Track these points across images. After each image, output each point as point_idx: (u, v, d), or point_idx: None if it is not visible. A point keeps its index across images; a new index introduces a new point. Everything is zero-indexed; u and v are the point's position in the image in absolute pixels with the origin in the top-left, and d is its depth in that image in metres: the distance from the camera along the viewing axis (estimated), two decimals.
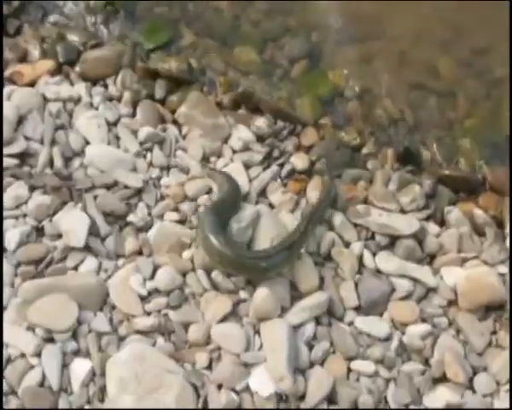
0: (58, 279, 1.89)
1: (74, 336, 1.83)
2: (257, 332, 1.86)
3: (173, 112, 2.27)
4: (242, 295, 1.91)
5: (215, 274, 1.92)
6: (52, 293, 1.85)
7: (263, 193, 2.12)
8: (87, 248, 1.96)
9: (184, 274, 1.94)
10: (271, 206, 2.10)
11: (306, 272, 1.95)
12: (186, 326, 1.86)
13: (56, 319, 1.82)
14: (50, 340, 1.81)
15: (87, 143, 2.17)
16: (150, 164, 2.15)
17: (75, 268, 1.94)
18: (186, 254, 1.97)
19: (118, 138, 2.19)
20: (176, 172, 2.13)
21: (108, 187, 2.07)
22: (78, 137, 2.17)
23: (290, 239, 1.94)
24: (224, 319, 1.87)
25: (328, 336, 1.88)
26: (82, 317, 1.85)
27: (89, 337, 1.83)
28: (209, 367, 1.81)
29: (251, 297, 1.89)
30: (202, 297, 1.90)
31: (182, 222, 2.03)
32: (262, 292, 1.88)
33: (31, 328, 1.82)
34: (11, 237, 1.95)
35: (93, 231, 1.98)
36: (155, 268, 1.94)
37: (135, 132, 2.20)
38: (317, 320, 1.90)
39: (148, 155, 2.16)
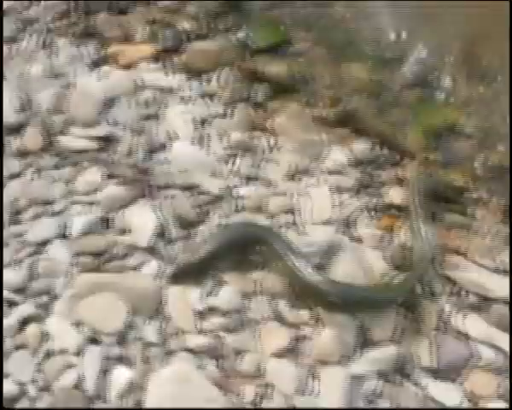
0: (115, 277, 1.78)
1: (121, 341, 1.71)
2: (314, 376, 1.69)
3: (269, 120, 2.13)
4: (306, 331, 1.74)
5: (281, 303, 1.77)
6: (106, 291, 1.75)
7: (348, 223, 1.95)
8: (151, 250, 1.84)
9: (248, 297, 1.79)
10: (355, 239, 1.92)
11: (381, 319, 1.76)
12: (239, 354, 1.71)
13: (105, 319, 1.72)
14: (95, 341, 1.70)
15: (173, 138, 2.06)
16: (233, 172, 2.02)
17: (135, 269, 1.82)
18: (254, 274, 1.82)
19: (205, 139, 2.07)
20: (258, 185, 1.99)
21: (185, 189, 1.95)
22: (165, 131, 2.07)
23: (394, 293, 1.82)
24: (281, 355, 1.71)
25: (392, 396, 1.68)
26: (132, 322, 1.72)
27: (135, 346, 1.70)
28: (256, 403, 1.65)
29: (315, 336, 1.72)
30: (262, 326, 1.75)
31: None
32: (327, 332, 1.71)
33: (77, 324, 1.71)
34: (75, 225, 1.86)
35: (161, 232, 1.86)
36: (218, 285, 1.80)
37: (224, 135, 2.08)
38: (383, 375, 1.71)
39: (233, 161, 2.04)
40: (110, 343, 1.70)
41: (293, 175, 2.03)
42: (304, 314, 1.75)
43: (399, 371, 1.72)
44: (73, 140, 2.01)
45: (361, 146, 2.07)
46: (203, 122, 2.11)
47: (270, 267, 1.82)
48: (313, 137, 2.09)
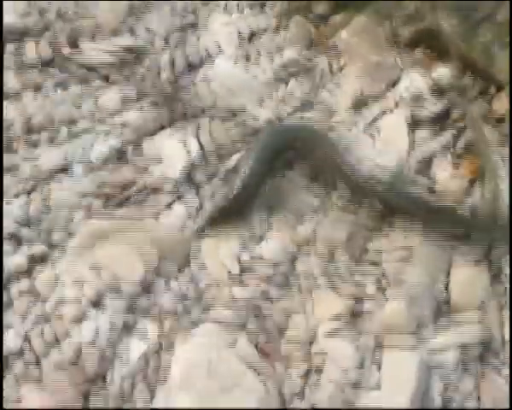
0: (141, 215, 1.57)
1: (146, 291, 1.49)
2: (377, 348, 1.45)
3: (332, 36, 1.87)
4: (369, 291, 1.50)
5: (340, 255, 1.53)
6: (131, 230, 1.55)
7: (425, 164, 1.69)
8: (187, 183, 1.62)
9: (300, 247, 1.55)
10: (430, 181, 1.67)
11: (471, 279, 1.51)
12: (287, 314, 1.49)
13: (129, 264, 1.51)
14: (115, 289, 1.49)
15: (214, 53, 1.82)
16: (285, 97, 1.78)
17: (166, 206, 1.60)
18: (307, 221, 1.58)
19: (253, 56, 1.83)
20: (316, 113, 1.75)
21: (226, 115, 1.72)
22: (209, 44, 1.83)
23: None
24: (337, 319, 1.48)
25: (476, 378, 1.45)
26: (161, 269, 1.52)
27: (164, 297, 1.49)
28: (306, 376, 1.43)
29: (381, 299, 1.48)
30: (316, 283, 1.51)
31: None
32: (398, 294, 1.47)
33: (95, 268, 1.50)
34: (99, 150, 1.65)
35: (199, 163, 1.64)
36: (265, 230, 1.57)
37: (278, 52, 1.84)
38: (466, 352, 1.47)
39: (286, 84, 1.79)
40: (133, 293, 1.50)
41: (359, 103, 1.78)
42: (369, 270, 1.53)
43: (484, 347, 1.49)
44: (92, 51, 1.80)
45: (444, 72, 1.79)
46: (251, 36, 1.87)
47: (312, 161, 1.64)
48: (386, 58, 1.83)
